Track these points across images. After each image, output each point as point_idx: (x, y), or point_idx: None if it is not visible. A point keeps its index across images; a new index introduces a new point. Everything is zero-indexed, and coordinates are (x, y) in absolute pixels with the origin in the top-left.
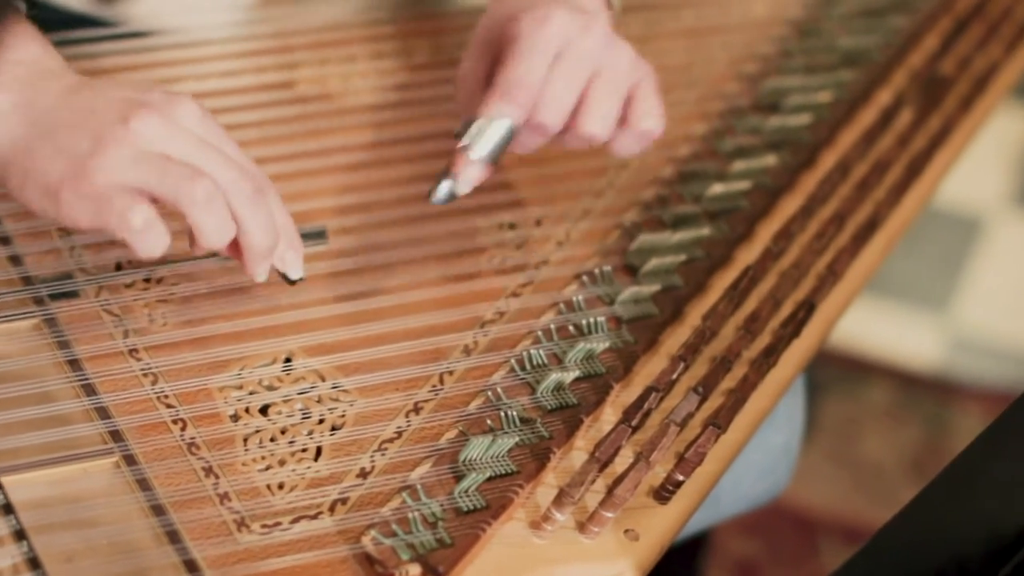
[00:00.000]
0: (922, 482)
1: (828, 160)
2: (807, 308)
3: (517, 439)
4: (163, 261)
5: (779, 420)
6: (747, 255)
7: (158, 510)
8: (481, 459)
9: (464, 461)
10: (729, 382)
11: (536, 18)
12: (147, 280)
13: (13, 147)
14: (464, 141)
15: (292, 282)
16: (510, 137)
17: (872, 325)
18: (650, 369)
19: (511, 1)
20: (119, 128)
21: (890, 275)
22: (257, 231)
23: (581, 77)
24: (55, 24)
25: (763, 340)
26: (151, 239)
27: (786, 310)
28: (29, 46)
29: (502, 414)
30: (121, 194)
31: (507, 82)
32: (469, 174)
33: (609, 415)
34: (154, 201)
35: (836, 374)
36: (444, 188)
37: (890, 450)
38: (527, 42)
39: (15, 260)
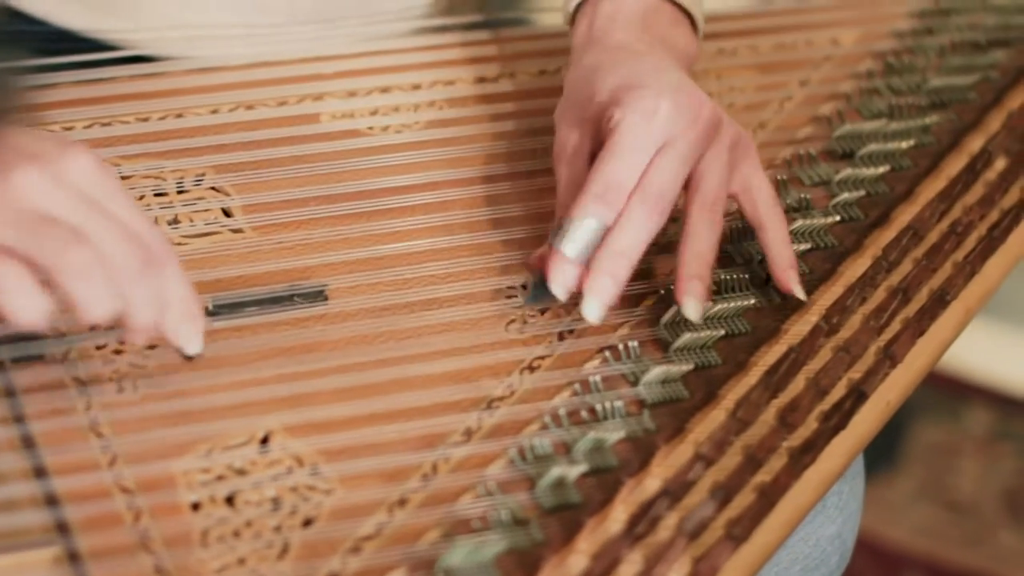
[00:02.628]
0: (1018, 519)
1: (903, 217)
2: (856, 397)
3: (506, 543)
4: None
5: (830, 509)
6: (796, 329)
7: None
8: (462, 567)
9: (443, 569)
10: (764, 476)
11: (644, 112)
12: (121, 343)
13: None
14: (559, 244)
15: (189, 358)
16: (601, 237)
17: (972, 345)
18: (672, 461)
19: (608, 62)
20: None
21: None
22: (141, 310)
23: (685, 171)
24: (48, 43)
25: (802, 434)
26: (23, 305)
27: (833, 397)
28: None
29: (493, 513)
30: None
31: (605, 184)
32: (566, 276)
33: (617, 517)
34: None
35: (930, 397)
36: (537, 289)
37: (986, 483)
38: (630, 140)
39: None
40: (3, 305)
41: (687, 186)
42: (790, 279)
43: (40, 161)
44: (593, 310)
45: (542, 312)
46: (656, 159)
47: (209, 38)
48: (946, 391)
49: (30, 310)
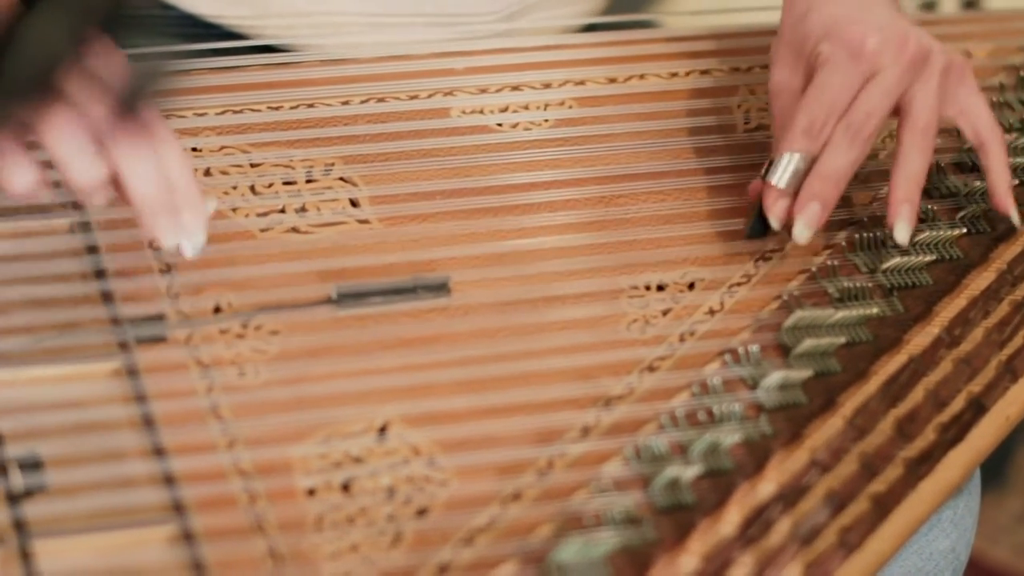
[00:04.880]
0: None
1: None
2: (975, 409)
3: (618, 542)
4: (266, 308)
5: (945, 523)
6: (918, 340)
7: None
8: (574, 564)
9: (555, 565)
10: (879, 485)
11: (850, 46)
12: (244, 326)
13: None
14: (771, 177)
15: (189, 257)
16: (809, 168)
17: None
18: (787, 467)
19: (819, 4)
20: None
21: None
22: (141, 180)
23: (891, 100)
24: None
25: (919, 445)
26: (12, 173)
27: (952, 409)
28: None
29: (607, 510)
30: None
31: (811, 118)
32: (778, 207)
33: (731, 519)
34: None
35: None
36: (757, 223)
37: None
38: (836, 74)
39: (107, 297)
40: None
41: (898, 113)
42: (1008, 203)
43: None
44: (803, 232)
45: (664, 313)
46: (863, 90)
47: (335, 27)
48: None
49: (19, 178)
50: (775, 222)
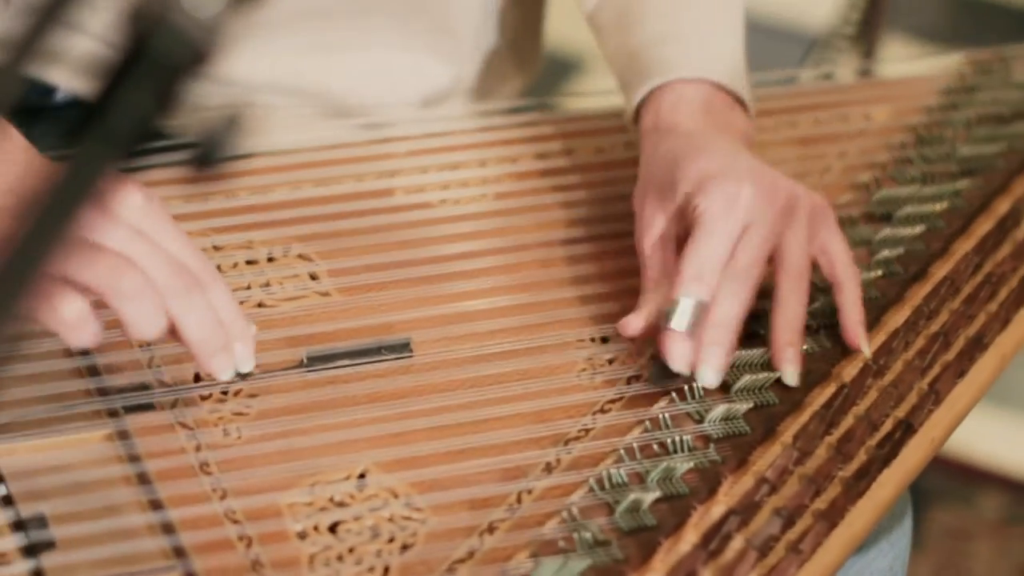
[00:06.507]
0: None
1: (939, 272)
2: (904, 428)
3: (589, 562)
4: (242, 376)
5: (882, 544)
6: (846, 371)
7: None
8: None
9: None
10: (819, 504)
11: (726, 199)
12: (224, 393)
13: None
14: (671, 323)
15: (244, 376)
16: (702, 313)
17: (984, 433)
18: (737, 490)
19: (682, 150)
20: None
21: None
22: (195, 328)
23: (768, 248)
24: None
25: (857, 461)
26: (82, 333)
27: (883, 430)
28: None
29: (576, 535)
30: (52, 285)
31: (699, 267)
32: (681, 350)
33: (689, 539)
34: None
35: (944, 482)
36: (659, 369)
37: (999, 565)
38: (716, 226)
39: (92, 370)
40: (67, 334)
41: (772, 260)
42: (859, 336)
43: None
44: (709, 376)
45: (610, 361)
46: (741, 239)
47: (266, 125)
48: (959, 477)
49: (89, 339)
50: (682, 366)
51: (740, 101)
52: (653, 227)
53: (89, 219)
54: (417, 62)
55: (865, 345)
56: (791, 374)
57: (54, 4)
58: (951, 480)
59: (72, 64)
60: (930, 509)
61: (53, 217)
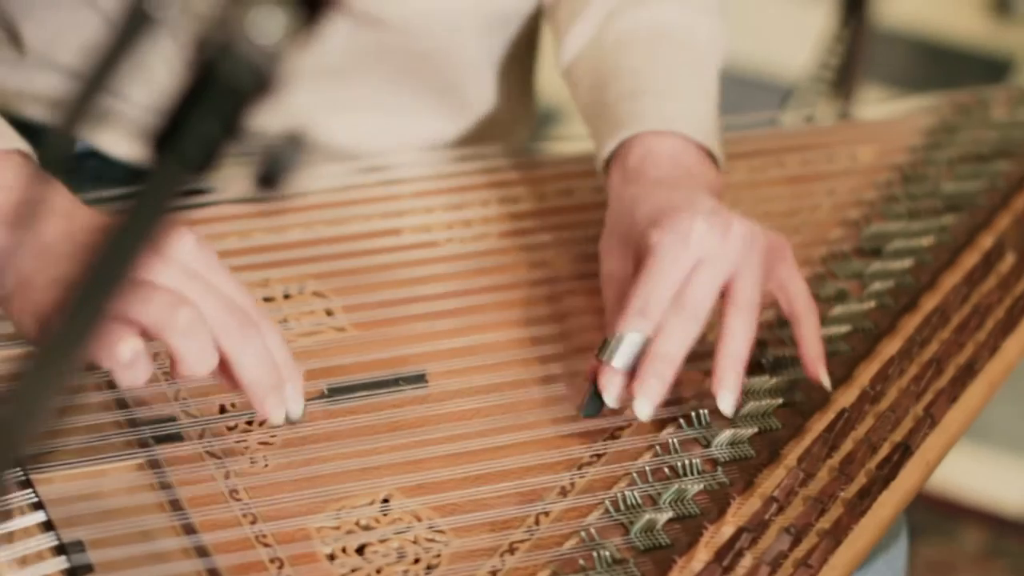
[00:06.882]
0: None
1: (929, 303)
2: (902, 450)
3: None
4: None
5: (879, 564)
6: (844, 398)
7: None
8: None
9: None
10: (824, 523)
11: (678, 233)
12: (249, 423)
13: (19, 280)
14: (604, 356)
15: (292, 422)
16: (643, 348)
17: (965, 469)
18: (745, 511)
19: (645, 194)
20: None
21: (984, 421)
22: (251, 367)
23: (719, 284)
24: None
25: (859, 482)
26: (136, 373)
27: (882, 453)
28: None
29: (595, 554)
30: (108, 325)
31: (644, 300)
32: (614, 385)
33: (702, 556)
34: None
35: (928, 517)
36: (592, 401)
37: None
38: (666, 260)
39: (121, 403)
40: (120, 374)
41: (723, 293)
42: (819, 369)
43: None
44: (644, 408)
45: None
46: (692, 275)
47: None
48: (942, 512)
49: (142, 378)
50: (612, 400)
51: (710, 155)
52: (615, 271)
53: (145, 261)
54: (422, 119)
55: (825, 378)
56: (728, 403)
57: (102, 71)
58: (934, 515)
59: (118, 129)
60: (914, 543)
61: (116, 260)
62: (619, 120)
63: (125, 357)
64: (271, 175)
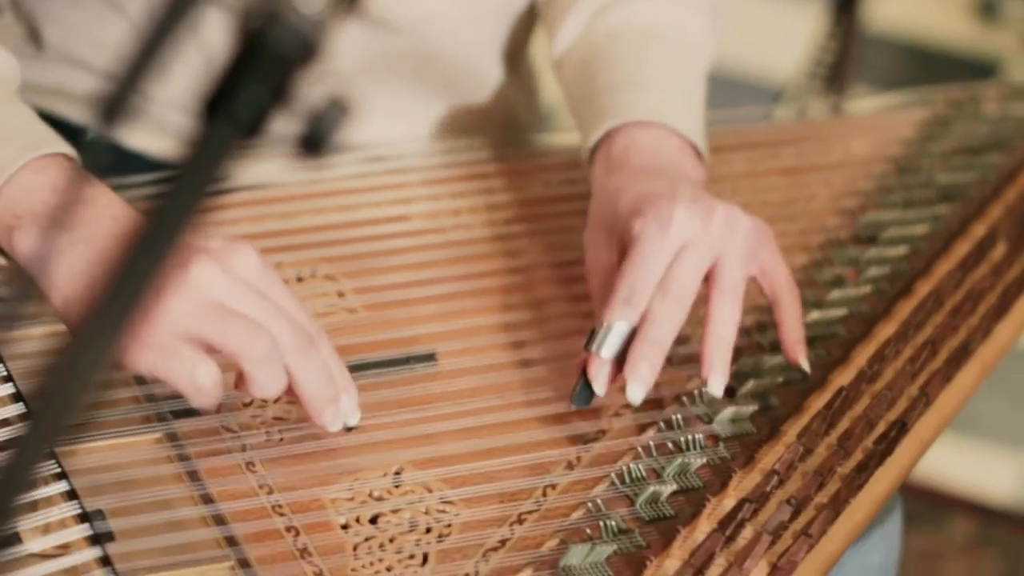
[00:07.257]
0: None
1: (924, 289)
2: (899, 427)
3: (615, 547)
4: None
5: (875, 539)
6: (842, 378)
7: None
8: (580, 566)
9: (564, 567)
10: (822, 497)
11: (660, 220)
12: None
13: (74, 284)
14: (593, 346)
15: (349, 428)
16: (630, 335)
17: (953, 460)
18: (746, 484)
19: (627, 184)
20: (178, 275)
21: (971, 413)
22: (312, 383)
23: (703, 268)
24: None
25: (856, 458)
26: (212, 396)
27: (879, 430)
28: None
29: (602, 524)
30: (185, 347)
31: (630, 288)
32: (602, 375)
33: (705, 527)
34: (210, 349)
35: (917, 507)
36: (583, 391)
37: None
38: (650, 247)
39: (140, 379)
40: (196, 397)
41: (708, 278)
42: (798, 352)
43: (214, 256)
44: (636, 393)
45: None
46: (676, 261)
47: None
48: (931, 502)
49: (215, 401)
50: (600, 389)
51: (694, 148)
52: (599, 261)
53: (214, 278)
54: (432, 117)
55: (804, 361)
56: (717, 385)
57: (137, 70)
58: (923, 505)
59: (151, 128)
60: (903, 532)
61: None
62: (604, 111)
63: (204, 383)
64: (315, 138)
